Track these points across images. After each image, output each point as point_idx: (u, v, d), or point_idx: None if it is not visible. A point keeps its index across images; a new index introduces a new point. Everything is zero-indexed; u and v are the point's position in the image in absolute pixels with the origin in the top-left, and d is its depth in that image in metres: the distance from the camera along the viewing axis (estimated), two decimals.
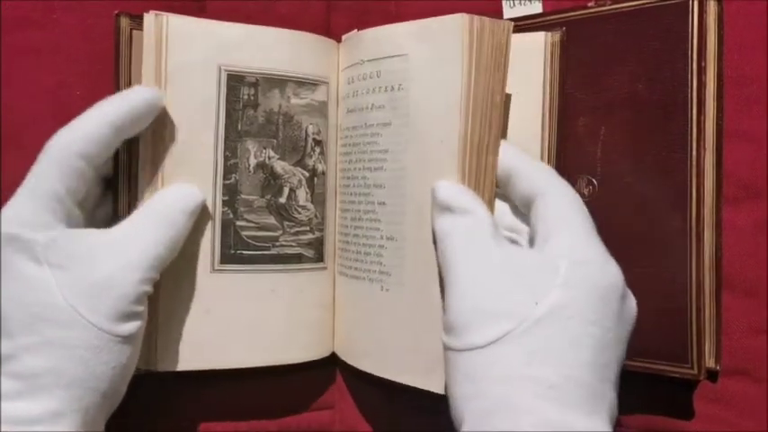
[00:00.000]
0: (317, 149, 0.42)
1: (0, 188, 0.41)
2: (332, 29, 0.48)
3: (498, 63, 0.36)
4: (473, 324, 0.31)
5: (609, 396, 0.31)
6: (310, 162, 0.42)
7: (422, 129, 0.38)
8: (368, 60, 0.40)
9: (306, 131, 0.42)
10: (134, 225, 0.36)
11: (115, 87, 0.38)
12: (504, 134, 0.40)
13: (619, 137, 0.40)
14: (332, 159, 0.43)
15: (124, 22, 0.38)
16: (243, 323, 0.40)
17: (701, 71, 0.38)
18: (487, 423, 0.30)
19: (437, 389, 0.37)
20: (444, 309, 0.34)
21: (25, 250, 0.33)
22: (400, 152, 0.39)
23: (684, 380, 0.39)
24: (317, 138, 0.42)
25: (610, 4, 0.40)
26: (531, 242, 0.36)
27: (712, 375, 0.39)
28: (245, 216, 0.40)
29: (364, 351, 0.42)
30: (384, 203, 0.40)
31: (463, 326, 0.32)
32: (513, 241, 0.37)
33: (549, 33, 0.40)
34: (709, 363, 0.39)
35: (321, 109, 0.42)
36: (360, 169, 0.41)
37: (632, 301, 0.33)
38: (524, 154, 0.37)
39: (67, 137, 0.34)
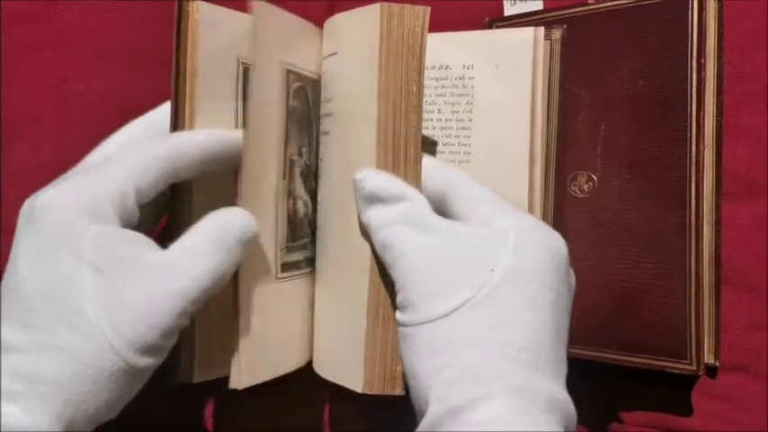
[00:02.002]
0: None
1: (0, 184, 0.41)
2: None
3: (412, 51, 0.34)
4: (432, 296, 0.31)
5: (565, 361, 0.31)
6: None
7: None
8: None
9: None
10: (188, 248, 0.31)
11: (175, 72, 0.35)
12: (490, 130, 0.41)
13: (619, 133, 0.40)
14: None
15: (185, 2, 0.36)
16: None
17: (701, 68, 0.38)
18: (457, 392, 0.29)
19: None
20: (396, 290, 0.33)
21: (70, 241, 0.29)
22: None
23: (683, 376, 0.39)
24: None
25: (610, 1, 0.40)
26: None
27: (711, 371, 0.39)
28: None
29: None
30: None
31: (422, 299, 0.31)
32: None
33: (539, 29, 0.40)
34: (709, 359, 0.39)
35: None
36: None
37: (573, 273, 0.33)
38: (425, 156, 0.36)
39: (165, 146, 0.33)
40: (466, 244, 0.32)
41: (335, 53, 0.38)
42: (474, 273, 0.31)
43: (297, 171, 0.39)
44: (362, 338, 0.35)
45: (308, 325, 0.41)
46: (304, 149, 0.39)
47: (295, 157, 0.39)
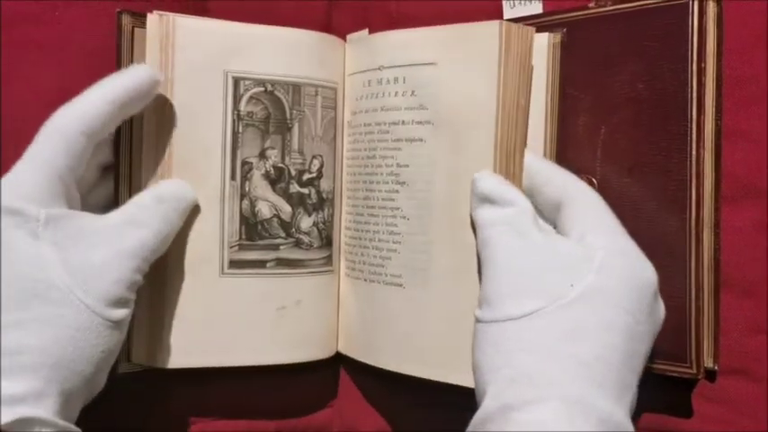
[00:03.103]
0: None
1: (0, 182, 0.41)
2: (333, 29, 0.48)
3: (523, 67, 0.38)
4: (509, 298, 0.32)
5: (633, 389, 0.32)
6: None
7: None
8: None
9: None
10: (131, 214, 0.36)
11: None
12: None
13: (618, 137, 0.40)
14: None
15: (126, 19, 0.38)
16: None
17: (701, 72, 0.38)
18: (510, 391, 0.30)
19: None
20: (481, 287, 0.35)
21: (24, 225, 0.32)
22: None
23: (683, 379, 0.39)
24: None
25: (610, 5, 0.40)
26: None
27: (711, 375, 0.40)
28: None
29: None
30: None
31: (499, 299, 0.33)
32: None
33: (552, 34, 0.40)
34: (708, 362, 0.39)
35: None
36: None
37: (662, 305, 0.34)
38: (548, 161, 0.38)
39: (71, 114, 0.35)
40: (553, 257, 0.33)
41: (433, 63, 0.39)
42: (554, 285, 0.32)
43: (256, 173, 0.40)
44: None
45: (288, 323, 0.41)
46: (271, 152, 0.40)
47: (253, 160, 0.40)
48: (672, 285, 0.38)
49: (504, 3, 0.45)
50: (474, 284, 0.37)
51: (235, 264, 0.40)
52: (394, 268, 0.41)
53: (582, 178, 0.41)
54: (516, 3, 0.45)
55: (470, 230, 0.38)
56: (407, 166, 0.40)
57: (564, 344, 0.30)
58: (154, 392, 0.43)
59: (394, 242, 0.41)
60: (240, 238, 0.40)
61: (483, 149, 0.38)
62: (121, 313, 0.34)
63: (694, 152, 0.38)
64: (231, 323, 0.40)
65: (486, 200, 0.36)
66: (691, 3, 0.38)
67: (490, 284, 0.34)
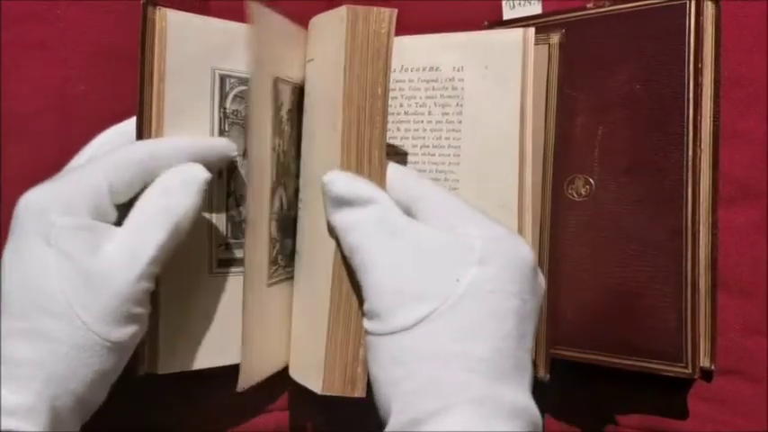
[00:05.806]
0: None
1: (0, 182, 0.41)
2: None
3: (378, 53, 0.34)
4: (397, 306, 0.31)
5: (529, 368, 0.31)
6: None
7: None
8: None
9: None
10: (138, 214, 0.34)
11: (140, 75, 0.37)
12: (479, 132, 0.41)
13: (616, 137, 0.40)
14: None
15: (150, 10, 0.37)
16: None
17: (698, 72, 0.38)
18: (417, 404, 0.29)
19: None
20: (363, 297, 0.33)
21: (42, 229, 0.31)
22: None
23: (679, 379, 0.39)
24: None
25: (608, 6, 0.40)
26: None
27: (707, 375, 0.40)
28: None
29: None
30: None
31: (387, 309, 0.31)
32: None
33: (529, 29, 0.39)
34: (704, 362, 0.39)
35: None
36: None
37: (541, 276, 0.34)
38: (390, 162, 0.36)
39: (142, 147, 0.35)
40: (432, 252, 0.32)
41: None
42: (439, 283, 0.31)
43: (241, 172, 0.40)
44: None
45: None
46: None
47: (237, 159, 0.40)
48: (668, 285, 0.38)
49: (503, 3, 0.45)
50: (324, 290, 0.36)
51: (223, 263, 0.40)
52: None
53: (579, 178, 0.41)
54: (516, 3, 0.45)
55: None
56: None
57: (460, 344, 0.30)
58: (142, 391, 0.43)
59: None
60: (227, 236, 0.40)
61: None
62: (123, 333, 0.32)
63: (691, 152, 0.38)
64: (219, 323, 0.40)
65: (343, 202, 0.33)
66: (688, 3, 0.38)
67: (373, 296, 0.32)
